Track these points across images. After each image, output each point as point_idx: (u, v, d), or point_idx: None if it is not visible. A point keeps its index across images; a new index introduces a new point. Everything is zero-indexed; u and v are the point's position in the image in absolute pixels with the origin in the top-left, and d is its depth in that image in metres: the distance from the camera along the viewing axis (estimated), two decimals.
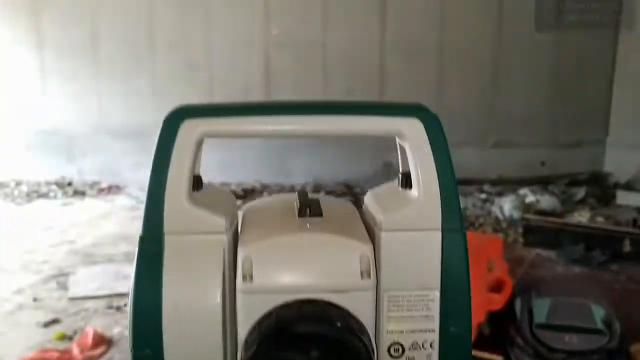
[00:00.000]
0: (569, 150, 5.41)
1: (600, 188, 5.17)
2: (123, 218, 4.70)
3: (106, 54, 5.41)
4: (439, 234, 0.69)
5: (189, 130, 0.68)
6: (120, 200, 5.19)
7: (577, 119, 5.38)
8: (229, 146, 5.38)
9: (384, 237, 0.68)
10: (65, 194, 5.31)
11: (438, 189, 0.68)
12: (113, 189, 5.47)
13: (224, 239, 0.68)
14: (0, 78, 5.53)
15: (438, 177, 0.68)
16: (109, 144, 5.56)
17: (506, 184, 5.22)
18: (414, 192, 0.70)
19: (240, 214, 0.77)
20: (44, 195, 5.28)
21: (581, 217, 4.38)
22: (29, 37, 5.40)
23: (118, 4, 5.33)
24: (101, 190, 5.44)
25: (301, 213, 0.70)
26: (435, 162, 0.69)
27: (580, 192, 4.94)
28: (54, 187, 5.45)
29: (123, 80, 5.46)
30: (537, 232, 3.74)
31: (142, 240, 0.70)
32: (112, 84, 5.47)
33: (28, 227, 4.48)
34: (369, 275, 0.65)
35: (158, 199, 0.69)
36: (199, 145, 0.69)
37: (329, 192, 5.12)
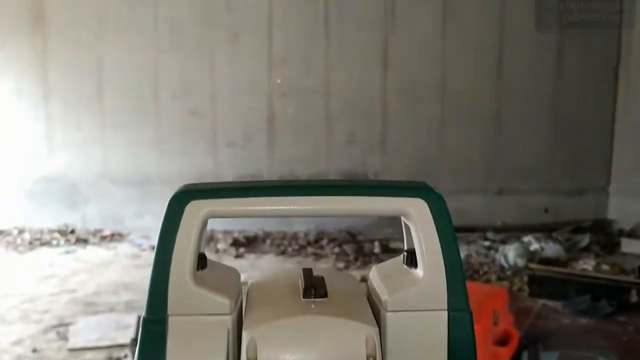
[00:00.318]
0: (573, 197, 5.40)
1: (605, 235, 5.14)
2: (125, 266, 4.67)
3: (111, 103, 5.45)
4: (445, 315, 0.68)
5: (194, 211, 0.69)
6: (123, 247, 5.15)
7: (580, 166, 5.39)
8: None
9: (389, 317, 0.68)
10: (67, 241, 5.28)
11: (443, 268, 0.68)
12: (116, 237, 5.44)
13: (228, 320, 0.67)
14: (5, 126, 5.58)
15: (443, 257, 0.68)
16: (112, 192, 5.55)
17: (510, 231, 5.20)
18: (419, 271, 0.70)
19: (245, 289, 0.77)
20: (47, 243, 5.25)
21: (586, 265, 4.36)
22: (36, 87, 5.45)
23: (123, 54, 5.40)
24: (104, 238, 5.41)
25: (306, 294, 0.69)
26: (440, 242, 0.69)
27: (585, 240, 4.90)
28: (56, 234, 5.42)
29: (127, 128, 5.48)
30: (542, 282, 3.70)
31: (146, 322, 0.69)
32: (116, 133, 5.49)
33: (29, 275, 4.45)
34: (374, 359, 0.64)
35: (162, 280, 0.69)
36: (204, 225, 0.70)
37: (331, 240, 5.14)
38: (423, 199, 0.71)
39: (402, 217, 0.73)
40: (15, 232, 5.48)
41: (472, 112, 5.37)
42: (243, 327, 0.67)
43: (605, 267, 4.33)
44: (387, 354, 0.67)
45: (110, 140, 5.50)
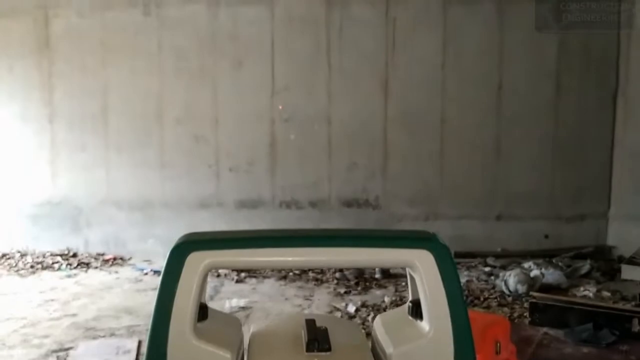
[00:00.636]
0: (572, 224, 5.35)
1: (605, 262, 5.07)
2: (127, 290, 4.63)
3: (115, 128, 5.45)
4: None
5: (195, 263, 0.67)
6: (125, 271, 5.12)
7: (579, 192, 5.35)
8: (230, 217, 5.43)
9: None
10: (69, 265, 5.23)
11: (450, 322, 0.66)
12: (118, 261, 5.39)
13: None
14: (10, 150, 5.56)
15: (450, 310, 0.66)
16: (115, 215, 5.53)
17: (510, 257, 5.14)
18: (424, 323, 0.68)
19: (246, 337, 0.74)
20: (48, 267, 5.20)
21: (587, 291, 4.31)
22: (41, 112, 5.46)
23: (128, 80, 5.40)
24: (106, 262, 5.36)
25: (309, 347, 0.67)
26: (446, 295, 0.67)
27: (585, 266, 4.84)
28: (58, 258, 5.37)
29: (131, 152, 5.48)
30: (544, 311, 3.63)
31: None
32: (120, 157, 5.49)
33: (30, 299, 4.39)
34: None
35: (162, 334, 0.67)
36: (205, 277, 0.67)
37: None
38: (429, 250, 0.69)
39: (407, 268, 0.71)
40: (18, 255, 5.44)
41: (472, 139, 5.35)
42: None
43: (606, 293, 4.27)
44: None
45: (114, 164, 5.49)
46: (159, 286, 0.70)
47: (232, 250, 0.67)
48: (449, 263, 0.69)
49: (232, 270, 4.84)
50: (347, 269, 4.88)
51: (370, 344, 0.74)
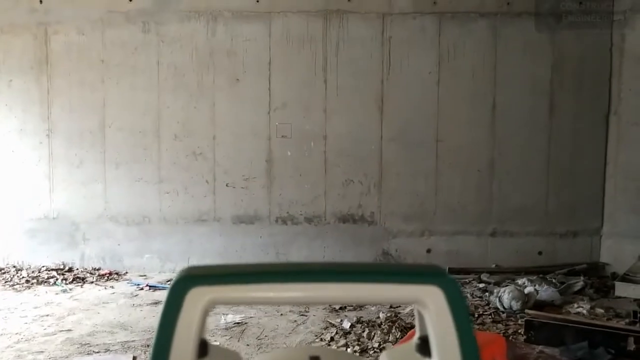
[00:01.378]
0: (566, 240, 5.34)
1: (598, 278, 5.06)
2: (122, 305, 4.53)
3: (113, 143, 5.42)
4: None
5: (196, 299, 0.63)
6: (120, 286, 5.04)
7: (573, 209, 5.34)
8: (226, 232, 5.40)
9: None
10: (65, 280, 5.15)
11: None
12: (113, 276, 5.33)
13: None
14: (8, 165, 5.52)
15: (460, 348, 0.63)
16: (112, 230, 5.48)
17: (504, 273, 5.12)
18: None
19: None
20: (44, 282, 5.11)
21: (581, 308, 4.25)
22: (39, 126, 5.42)
23: (126, 96, 5.38)
24: (101, 277, 5.29)
25: None
26: (457, 333, 0.63)
27: (579, 283, 4.79)
28: (54, 273, 5.29)
29: (129, 168, 5.44)
30: (539, 328, 3.58)
31: None
32: (117, 171, 5.45)
33: (25, 314, 4.31)
34: None
35: None
36: (206, 313, 0.64)
37: None
38: (438, 286, 0.65)
39: (415, 304, 0.68)
40: (13, 270, 5.36)
41: (466, 157, 5.34)
42: None
43: (599, 310, 4.22)
44: None
45: (112, 179, 5.45)
46: (158, 322, 0.66)
47: (234, 286, 0.63)
48: (459, 299, 0.65)
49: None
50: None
51: None
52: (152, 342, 0.61)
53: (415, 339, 0.68)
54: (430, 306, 0.62)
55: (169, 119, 5.40)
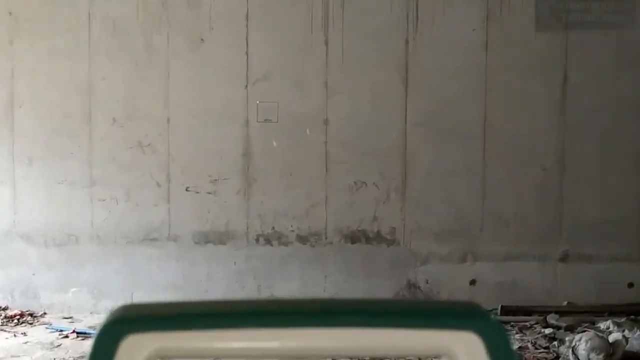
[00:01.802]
0: None
1: None
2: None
3: (25, 130, 5.28)
4: None
5: (132, 350, 0.63)
6: (36, 333, 4.88)
7: None
8: (186, 256, 5.41)
9: None
10: None
11: None
12: (26, 317, 5.22)
13: None
14: None
15: None
16: (23, 253, 5.34)
17: (580, 314, 5.01)
18: None
19: None
20: None
21: None
22: None
23: (45, 63, 5.24)
24: (9, 319, 5.14)
25: None
26: None
27: None
28: None
29: (47, 164, 5.31)
30: None
31: None
32: (31, 170, 5.32)
33: None
34: None
35: None
36: None
37: None
38: (475, 332, 0.66)
39: (443, 358, 0.68)
40: None
41: (526, 148, 5.22)
42: None
43: None
44: None
45: (23, 180, 5.32)
46: None
47: (188, 333, 0.63)
48: (506, 352, 0.65)
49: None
50: None
51: None
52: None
53: None
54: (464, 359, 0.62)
55: (105, 97, 5.23)
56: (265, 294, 5.36)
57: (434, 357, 0.66)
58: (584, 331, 4.51)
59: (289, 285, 5.28)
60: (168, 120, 5.35)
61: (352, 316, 0.66)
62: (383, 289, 5.27)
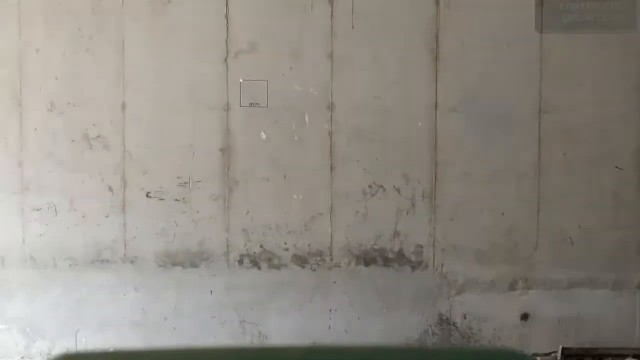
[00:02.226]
0: None
1: None
2: None
3: None
4: None
5: None
6: None
7: None
8: (148, 284, 4.88)
9: None
10: None
11: None
12: None
13: None
14: None
15: None
16: None
17: None
18: None
19: None
20: None
21: None
22: None
23: None
24: None
25: None
26: None
27: None
28: None
29: None
30: None
31: None
32: None
33: None
34: None
35: None
36: None
37: None
38: None
39: None
40: None
41: (596, 141, 4.71)
42: None
43: None
44: None
45: None
46: None
47: None
48: None
49: None
50: None
51: None
52: None
53: None
54: None
55: (40, 74, 4.73)
56: (252, 335, 4.91)
57: None
58: None
59: (283, 323, 4.82)
60: (123, 105, 4.82)
61: None
62: (407, 326, 4.84)
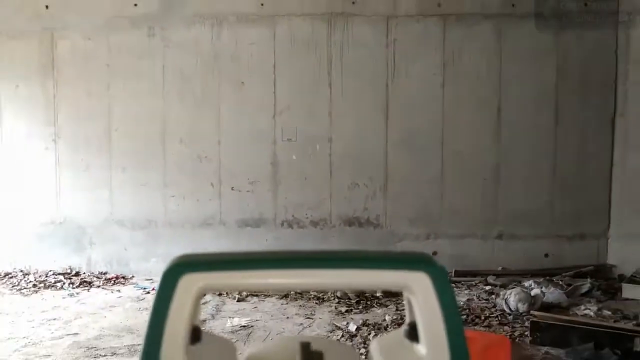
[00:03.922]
0: (573, 243, 5.32)
1: (605, 280, 5.03)
2: (129, 309, 4.56)
3: (119, 148, 5.44)
4: None
5: (188, 285, 0.65)
6: (127, 290, 5.05)
7: (579, 211, 5.30)
8: (232, 235, 5.33)
9: None
10: (72, 284, 5.17)
11: (447, 345, 0.64)
12: (120, 279, 5.34)
13: None
14: (15, 170, 5.53)
15: (447, 333, 0.64)
16: (118, 235, 5.49)
17: (511, 276, 5.10)
18: (421, 347, 0.66)
19: None
20: (51, 286, 5.14)
21: (588, 310, 4.25)
22: (46, 132, 5.44)
23: (132, 102, 5.40)
24: (108, 281, 5.32)
25: None
26: (443, 318, 0.65)
27: (586, 285, 4.76)
28: (61, 277, 5.32)
29: (135, 172, 5.45)
30: (545, 330, 3.56)
31: None
32: (124, 176, 5.46)
33: (32, 318, 4.32)
34: None
35: (153, 357, 0.65)
36: (199, 299, 0.66)
37: None
38: (425, 272, 0.67)
39: (404, 291, 0.69)
40: (20, 274, 5.39)
41: (472, 160, 5.32)
42: None
43: (607, 312, 4.21)
44: None
45: (118, 183, 5.46)
46: (151, 309, 0.68)
47: (225, 273, 0.65)
48: (445, 285, 0.67)
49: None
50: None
51: None
52: (145, 327, 0.64)
53: (404, 325, 0.69)
54: (418, 292, 0.64)
55: (175, 124, 5.41)
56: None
57: (398, 290, 0.68)
58: (513, 288, 4.61)
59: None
60: (219, 141, 5.45)
61: (337, 261, 0.68)
62: None
